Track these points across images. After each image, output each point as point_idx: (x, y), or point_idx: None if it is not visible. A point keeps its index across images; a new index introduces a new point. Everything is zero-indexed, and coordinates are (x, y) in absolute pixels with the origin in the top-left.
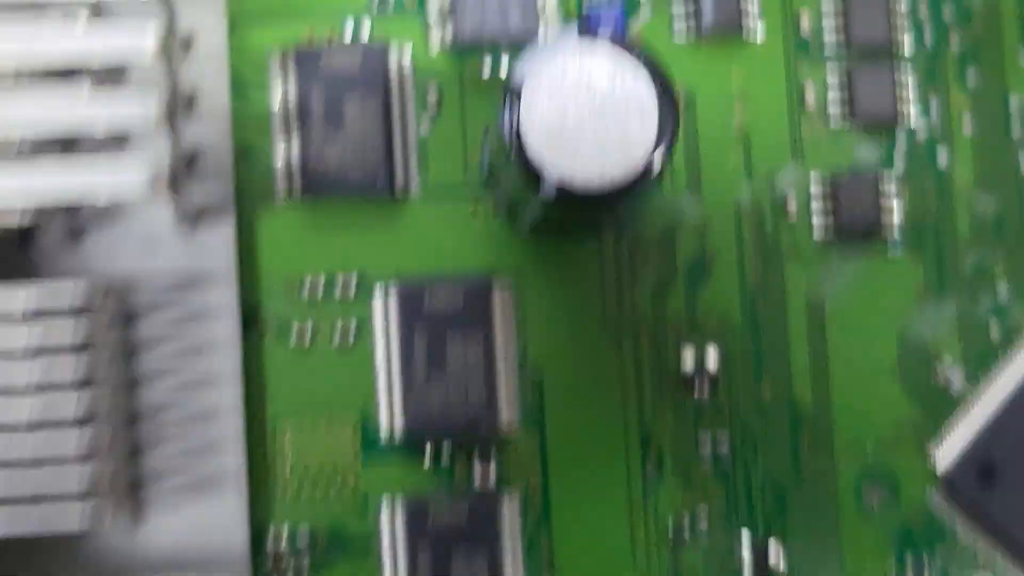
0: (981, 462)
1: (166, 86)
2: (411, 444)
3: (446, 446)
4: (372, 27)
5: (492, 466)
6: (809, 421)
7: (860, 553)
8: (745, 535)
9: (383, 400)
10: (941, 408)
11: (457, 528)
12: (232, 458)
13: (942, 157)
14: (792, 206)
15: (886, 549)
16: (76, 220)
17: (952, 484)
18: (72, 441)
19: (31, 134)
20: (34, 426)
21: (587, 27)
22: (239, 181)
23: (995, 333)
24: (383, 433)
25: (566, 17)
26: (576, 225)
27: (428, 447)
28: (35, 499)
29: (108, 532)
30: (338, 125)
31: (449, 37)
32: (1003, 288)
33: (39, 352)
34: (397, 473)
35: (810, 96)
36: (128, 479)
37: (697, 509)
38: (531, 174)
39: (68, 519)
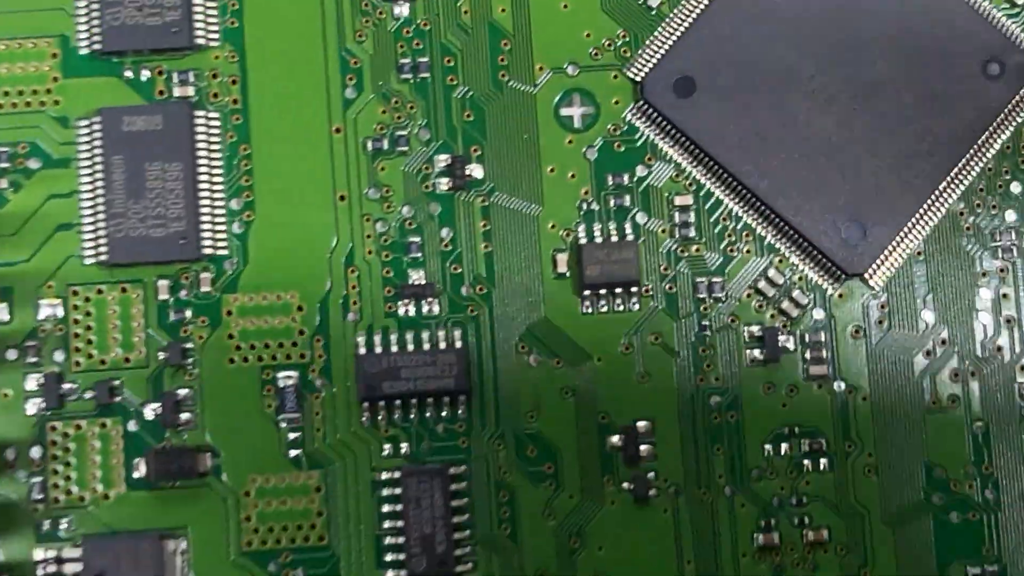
0: (678, 74)
1: None
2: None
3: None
4: None
5: (190, 82)
6: (511, 38)
7: (560, 160)
8: (444, 155)
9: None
10: (641, 26)
11: (152, 136)
12: None
13: None
14: None
15: (582, 163)
16: None
17: (650, 94)
18: None
19: None
20: None
21: None
22: None
23: None
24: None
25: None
26: None
27: (127, 65)
28: None
29: None
30: None
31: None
32: None
33: None
34: (96, 91)
35: None
36: None
37: (396, 126)
38: None
39: None
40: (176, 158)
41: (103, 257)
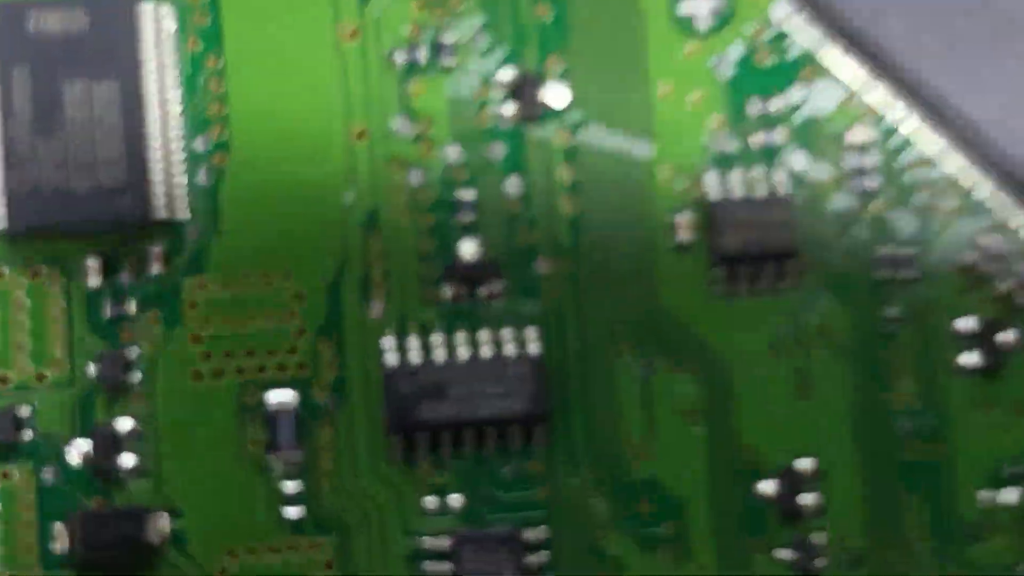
0: None
1: None
2: None
3: None
4: None
5: None
6: None
7: (679, 78)
8: (509, 71)
9: None
10: None
11: (74, 41)
12: None
13: None
14: None
15: (711, 83)
16: None
17: None
18: None
19: None
20: None
21: None
22: None
23: None
24: None
25: None
26: None
27: None
28: None
29: None
30: None
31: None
32: None
33: None
34: None
35: None
36: None
37: (439, 29)
38: None
39: None
40: (110, 74)
41: (1, 224)
